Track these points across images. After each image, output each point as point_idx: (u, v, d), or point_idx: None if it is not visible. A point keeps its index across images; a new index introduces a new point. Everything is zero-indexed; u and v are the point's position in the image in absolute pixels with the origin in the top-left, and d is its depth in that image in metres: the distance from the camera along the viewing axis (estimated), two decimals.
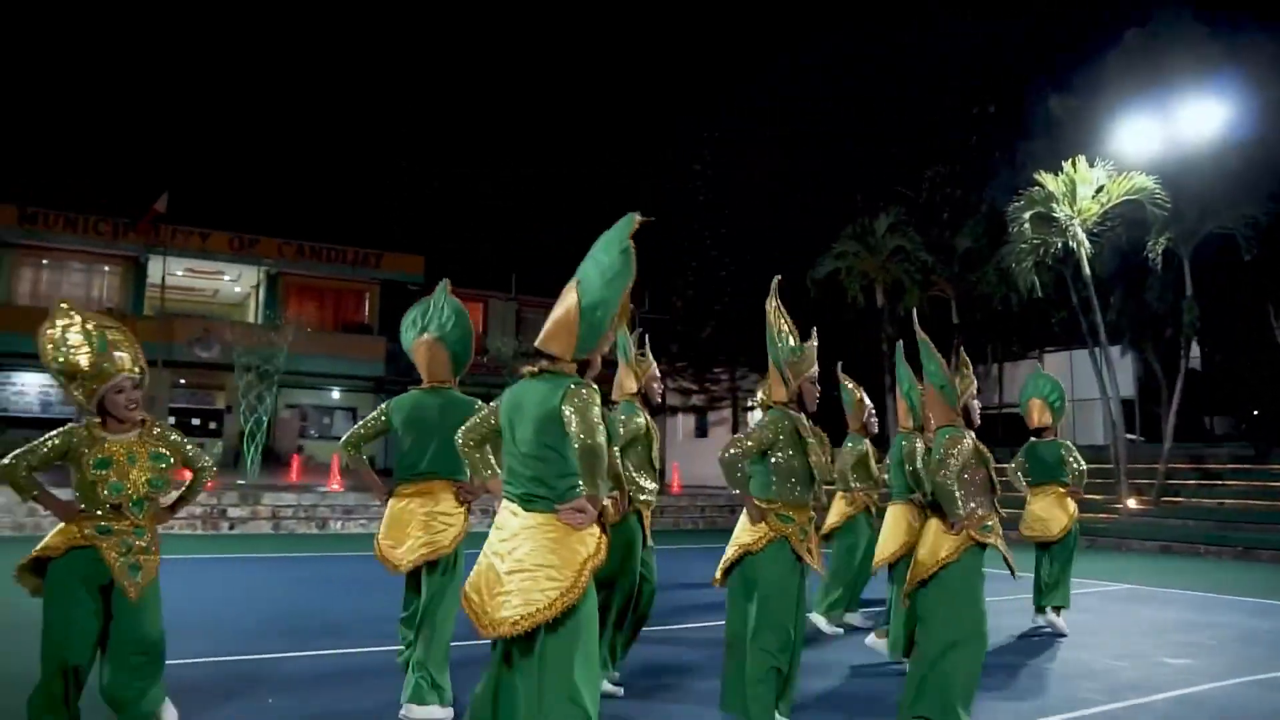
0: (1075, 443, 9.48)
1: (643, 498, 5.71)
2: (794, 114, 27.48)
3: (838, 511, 8.17)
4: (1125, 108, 19.30)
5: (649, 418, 5.96)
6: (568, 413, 3.53)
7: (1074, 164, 18.00)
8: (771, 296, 5.15)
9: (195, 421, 31.90)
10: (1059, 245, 18.58)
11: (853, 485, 8.11)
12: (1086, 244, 18.09)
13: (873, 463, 8.13)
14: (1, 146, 32.59)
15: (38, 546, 4.23)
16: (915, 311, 6.21)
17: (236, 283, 34.90)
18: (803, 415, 4.96)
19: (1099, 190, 17.98)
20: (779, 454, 4.78)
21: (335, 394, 34.30)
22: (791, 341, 5.04)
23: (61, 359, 4.32)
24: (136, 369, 4.43)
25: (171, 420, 27.36)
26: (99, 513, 4.20)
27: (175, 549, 10.17)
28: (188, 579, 9.60)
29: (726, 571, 4.89)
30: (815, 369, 5.02)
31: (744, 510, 4.86)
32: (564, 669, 3.37)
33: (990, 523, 4.95)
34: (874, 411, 8.20)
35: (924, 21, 29.64)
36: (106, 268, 31.71)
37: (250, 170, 35.05)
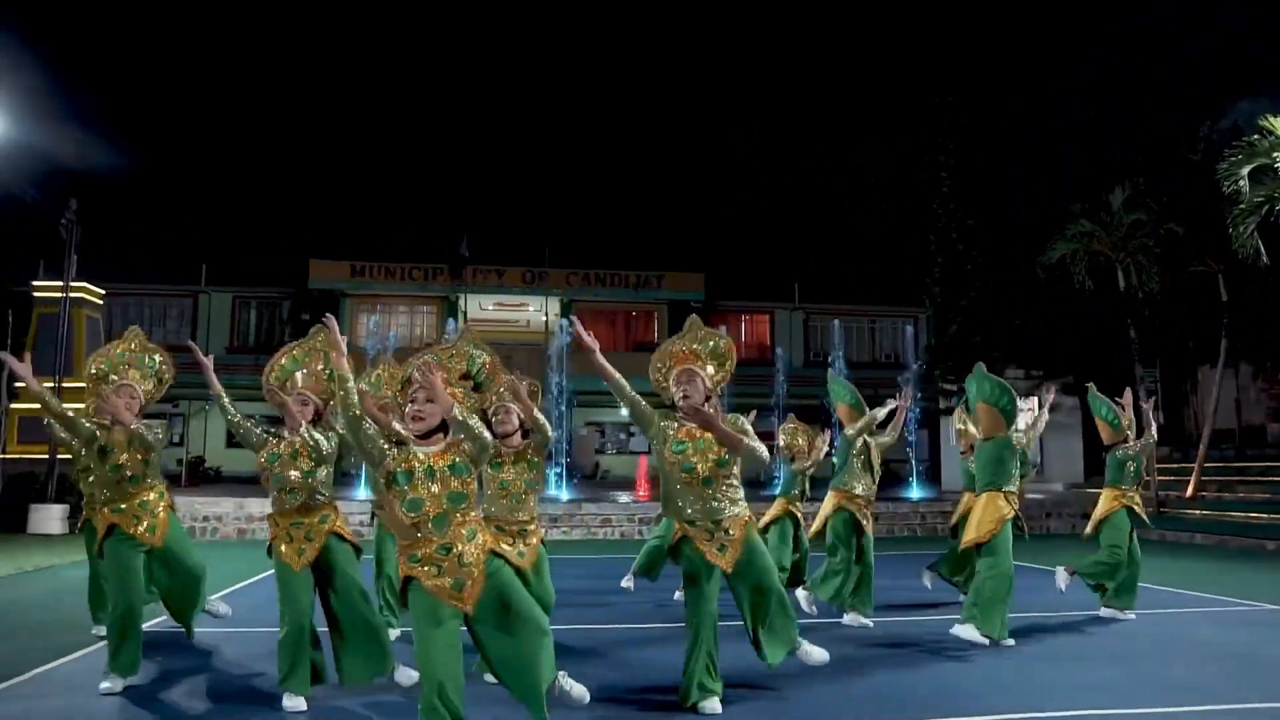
0: None
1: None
2: (1033, 93, 25.10)
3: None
4: None
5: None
6: None
7: None
8: None
9: None
10: None
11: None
12: None
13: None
14: (332, 211, 36.69)
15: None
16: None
17: (540, 312, 37.25)
18: None
19: None
20: None
21: (624, 411, 35.51)
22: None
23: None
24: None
25: None
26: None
27: None
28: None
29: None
30: None
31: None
32: None
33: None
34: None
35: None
36: (424, 308, 34.88)
37: (539, 207, 37.15)
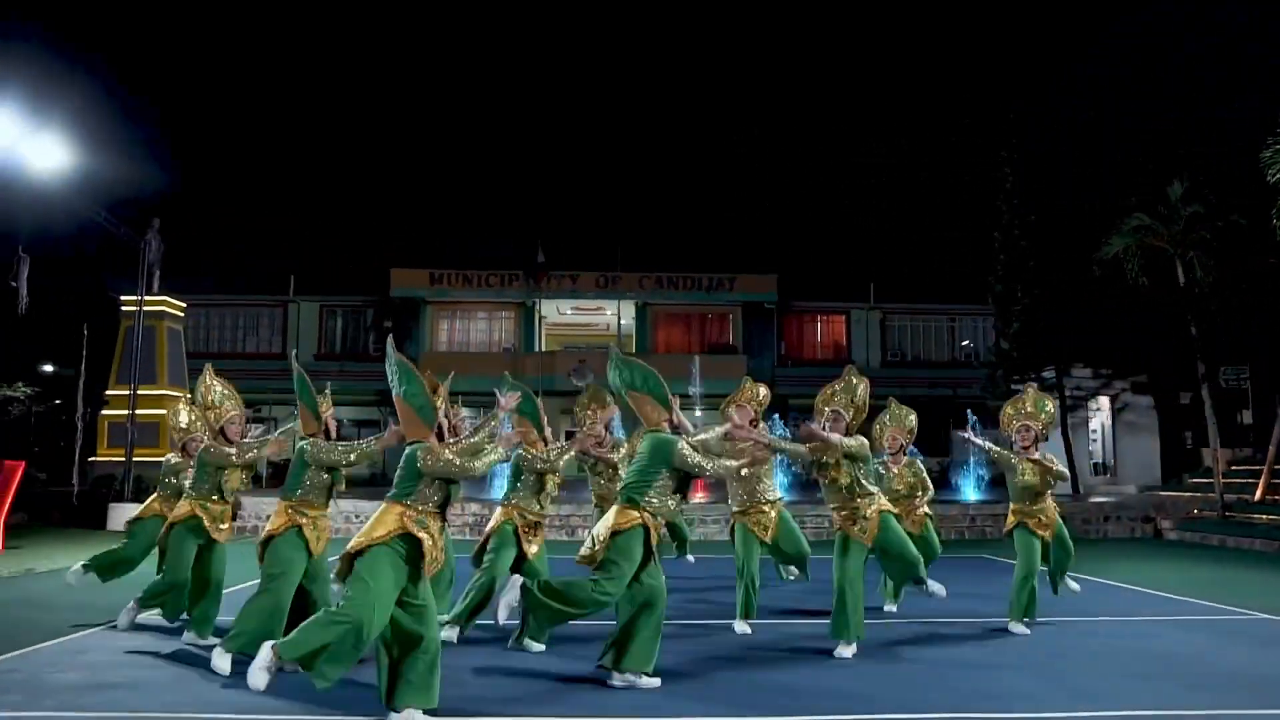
0: None
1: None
2: (1093, 87, 24.17)
3: None
4: None
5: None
6: None
7: None
8: None
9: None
10: None
11: None
12: None
13: None
14: (412, 221, 37.85)
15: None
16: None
17: (619, 315, 37.59)
18: None
19: None
20: None
21: (698, 413, 35.54)
22: None
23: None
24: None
25: None
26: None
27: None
28: None
29: None
30: None
31: None
32: None
33: None
34: None
35: None
36: (503, 314, 35.61)
37: (612, 211, 37.53)
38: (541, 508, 7.04)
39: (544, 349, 36.28)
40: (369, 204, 38.69)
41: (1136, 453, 23.53)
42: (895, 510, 8.17)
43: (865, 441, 6.89)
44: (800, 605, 8.68)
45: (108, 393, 19.91)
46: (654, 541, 5.64)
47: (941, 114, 29.43)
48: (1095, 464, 24.82)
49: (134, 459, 17.02)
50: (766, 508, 7.76)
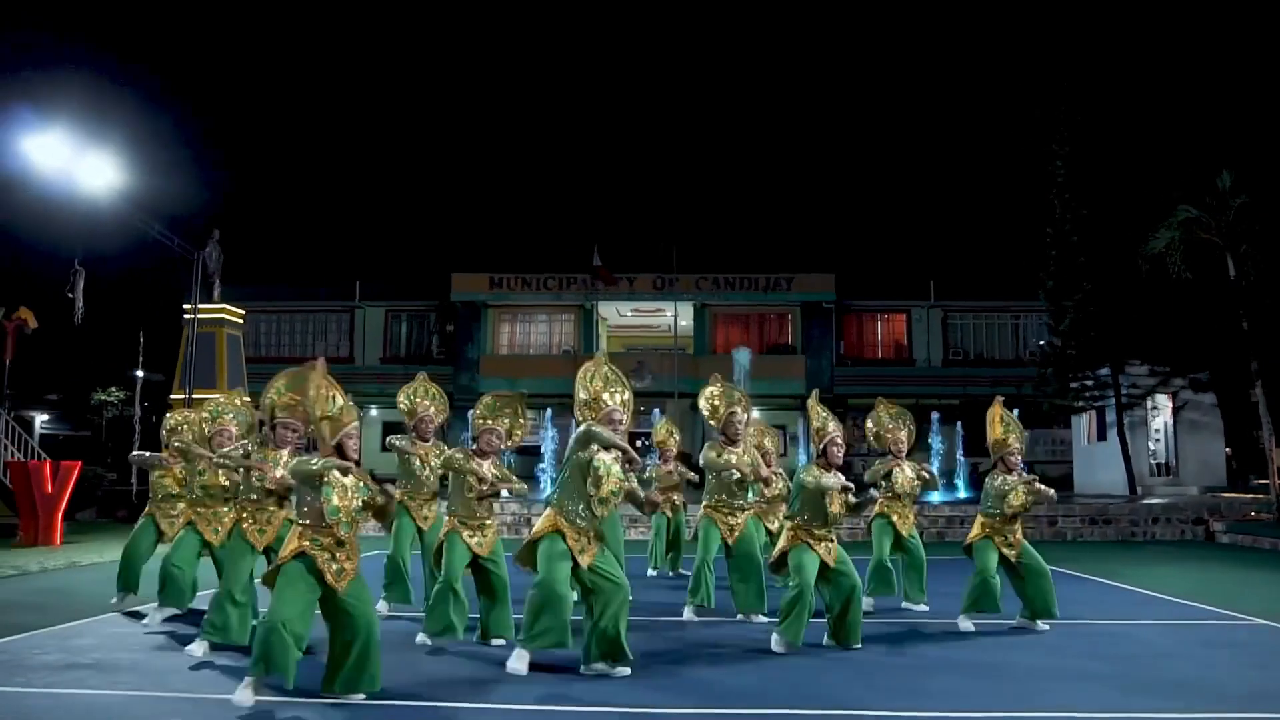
0: None
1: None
2: (1141, 75, 23.34)
3: None
4: None
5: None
6: None
7: None
8: None
9: (639, 443, 35.07)
10: None
11: None
12: None
13: None
14: (472, 226, 38.65)
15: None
16: None
17: (679, 317, 37.75)
18: None
19: None
20: None
21: (756, 413, 35.46)
22: None
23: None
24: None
25: None
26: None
27: None
28: None
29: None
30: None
31: None
32: None
33: None
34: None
35: None
36: (563, 316, 36.09)
37: (669, 213, 37.76)
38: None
39: (605, 350, 36.60)
40: (430, 210, 39.65)
41: (1199, 453, 22.72)
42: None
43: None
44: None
45: (170, 397, 20.86)
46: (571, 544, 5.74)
47: (996, 107, 28.87)
48: (1158, 464, 24.06)
49: None
50: (739, 514, 7.85)
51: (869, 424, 8.65)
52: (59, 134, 13.54)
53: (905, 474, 8.36)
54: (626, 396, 5.98)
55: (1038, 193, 23.76)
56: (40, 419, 29.80)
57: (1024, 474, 7.44)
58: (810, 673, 6.09)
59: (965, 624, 7.39)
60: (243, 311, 22.36)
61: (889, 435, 8.55)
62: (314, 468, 5.10)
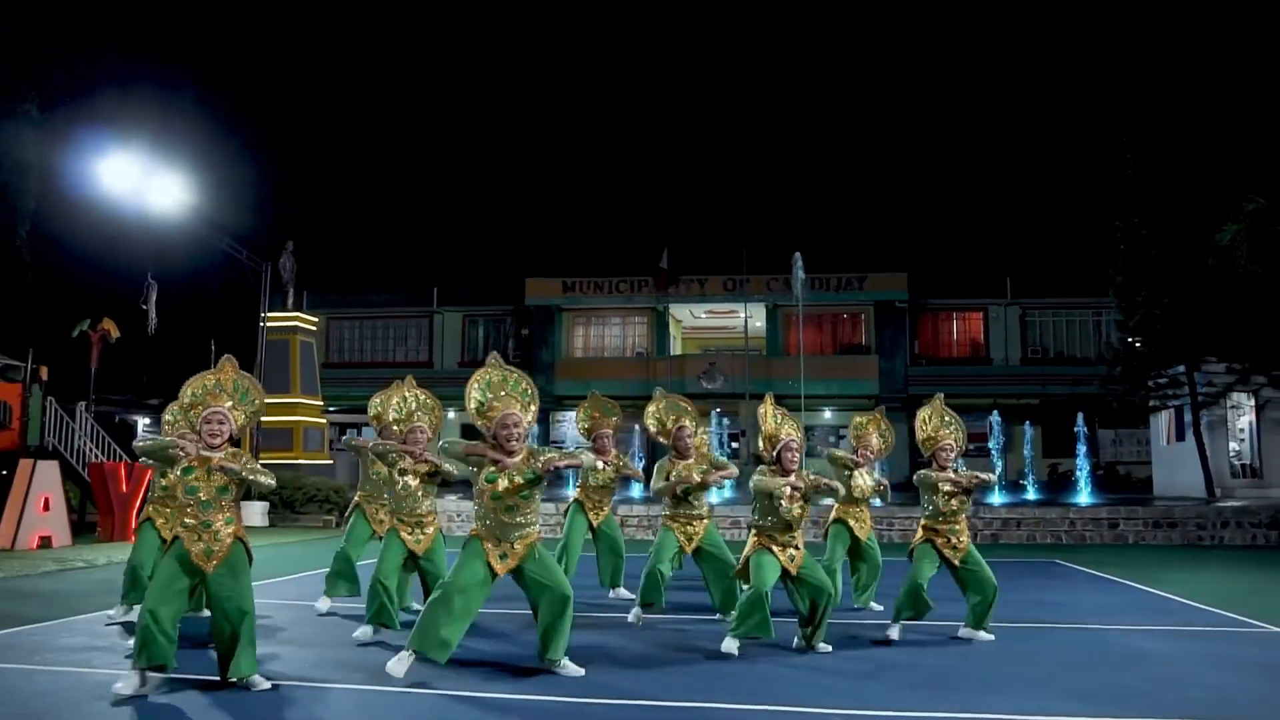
0: None
1: None
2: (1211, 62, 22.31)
3: None
4: None
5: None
6: None
7: None
8: None
9: (719, 444, 35.22)
10: None
11: None
12: None
13: None
14: (546, 232, 39.33)
15: None
16: None
17: (754, 319, 37.72)
18: None
19: None
20: None
21: (827, 414, 35.25)
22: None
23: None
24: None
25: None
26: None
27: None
28: None
29: None
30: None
31: None
32: None
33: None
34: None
35: None
36: (636, 319, 36.46)
37: (739, 214, 37.78)
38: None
39: (680, 352, 36.92)
40: (505, 216, 40.51)
41: None
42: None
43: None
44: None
45: None
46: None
47: (1070, 98, 28.12)
48: (1242, 465, 23.07)
49: (261, 461, 18.68)
50: (696, 522, 7.81)
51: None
52: (129, 157, 14.49)
53: (865, 481, 8.30)
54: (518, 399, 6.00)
55: (1111, 186, 23.10)
56: (143, 422, 31.46)
57: (959, 471, 7.31)
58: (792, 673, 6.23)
59: (894, 632, 7.07)
60: (315, 319, 23.36)
61: (879, 441, 8.56)
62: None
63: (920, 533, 7.28)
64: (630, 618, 7.76)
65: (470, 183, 43.34)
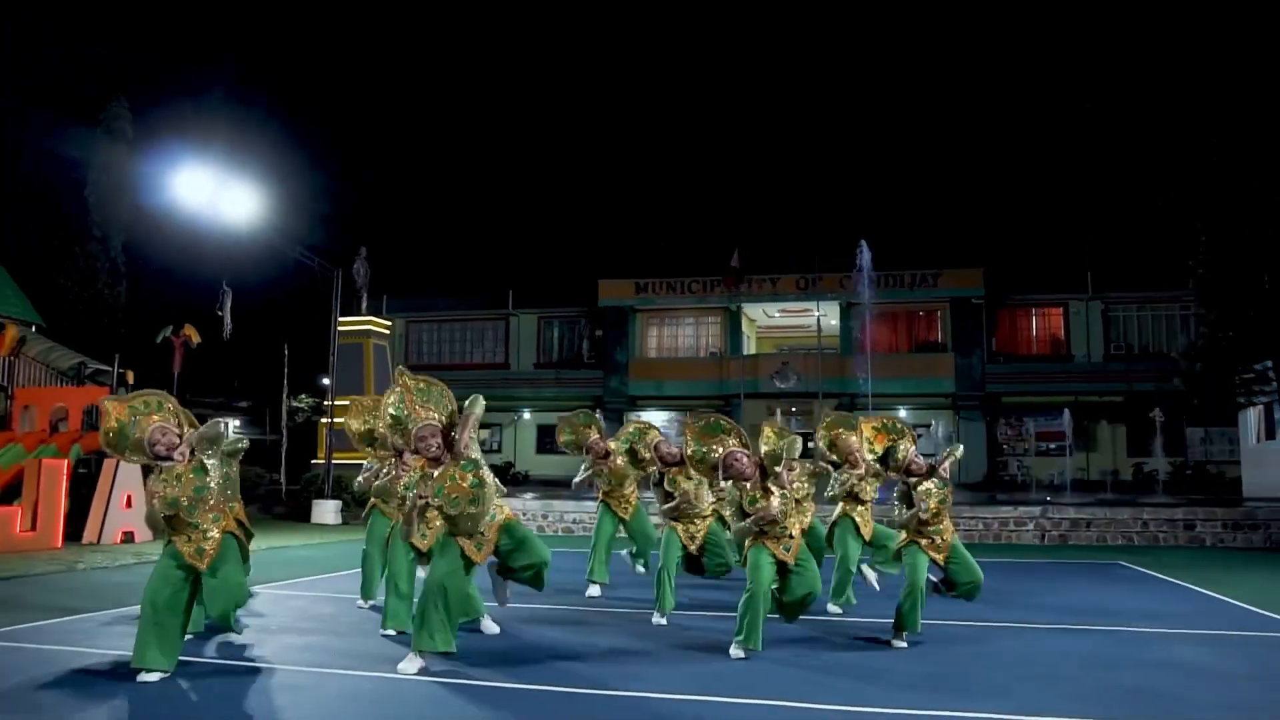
0: None
1: None
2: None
3: None
4: None
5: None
6: None
7: None
8: None
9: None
10: None
11: None
12: None
13: None
14: (618, 234, 39.64)
15: None
16: None
17: (828, 316, 37.38)
18: None
19: None
20: None
21: (902, 412, 34.68)
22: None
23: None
24: None
25: None
26: None
27: None
28: None
29: None
30: None
31: None
32: None
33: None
34: None
35: None
36: (709, 319, 36.50)
37: (812, 212, 37.48)
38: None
39: (754, 351, 36.86)
40: (578, 218, 40.93)
41: None
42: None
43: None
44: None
45: (324, 404, 22.68)
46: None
47: (1149, 87, 27.23)
48: None
49: (334, 461, 19.39)
50: (699, 521, 7.90)
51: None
52: (204, 170, 15.19)
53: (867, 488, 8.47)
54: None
55: (1193, 173, 22.31)
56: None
57: (940, 474, 7.20)
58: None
59: (900, 644, 6.92)
60: (389, 322, 24.01)
61: (850, 446, 8.45)
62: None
63: (903, 536, 7.16)
64: (654, 621, 7.73)
65: (544, 186, 44.01)
